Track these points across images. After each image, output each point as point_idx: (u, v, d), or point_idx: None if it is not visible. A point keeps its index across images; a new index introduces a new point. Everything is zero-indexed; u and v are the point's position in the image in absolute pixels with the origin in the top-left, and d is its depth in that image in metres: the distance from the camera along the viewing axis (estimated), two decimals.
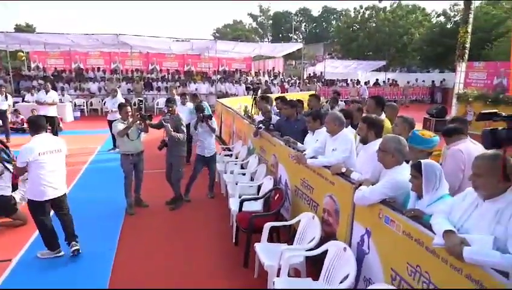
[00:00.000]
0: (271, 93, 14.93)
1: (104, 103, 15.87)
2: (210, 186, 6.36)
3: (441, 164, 3.07)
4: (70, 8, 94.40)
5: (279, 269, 3.28)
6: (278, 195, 4.56)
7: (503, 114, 2.49)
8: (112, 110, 8.96)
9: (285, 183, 4.87)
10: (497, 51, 22.24)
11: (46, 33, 17.85)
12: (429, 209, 2.47)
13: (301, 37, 57.28)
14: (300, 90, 19.19)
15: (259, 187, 5.38)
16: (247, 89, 17.75)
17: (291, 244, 3.75)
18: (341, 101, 9.49)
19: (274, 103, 7.51)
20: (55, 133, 10.02)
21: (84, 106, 16.72)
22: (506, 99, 10.95)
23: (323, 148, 4.09)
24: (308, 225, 3.67)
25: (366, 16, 40.27)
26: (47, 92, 10.46)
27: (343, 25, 43.32)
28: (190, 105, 8.15)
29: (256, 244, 3.75)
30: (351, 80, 24.14)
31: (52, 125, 10.23)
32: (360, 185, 3.02)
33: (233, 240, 4.67)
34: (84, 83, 17.99)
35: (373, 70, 28.17)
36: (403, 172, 2.81)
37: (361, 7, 40.96)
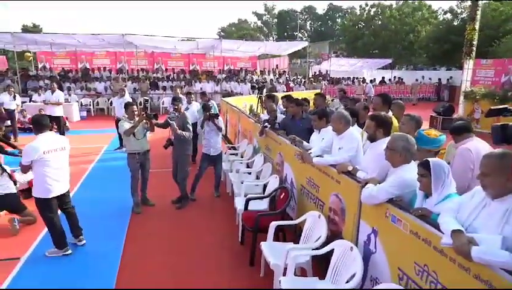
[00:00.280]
0: (276, 92, 14.91)
1: (111, 103, 16.08)
2: (216, 186, 6.37)
3: (448, 163, 3.04)
4: (76, 8, 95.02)
5: (285, 268, 3.27)
6: (283, 194, 4.55)
7: None
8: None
9: (291, 182, 4.86)
10: (505, 48, 21.99)
11: (53, 33, 17.99)
12: (437, 208, 2.46)
13: (306, 35, 57.20)
14: (306, 89, 19.13)
15: (265, 186, 5.37)
16: (253, 87, 17.71)
17: (297, 243, 3.74)
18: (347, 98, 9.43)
19: (280, 102, 7.50)
20: (61, 132, 10.10)
21: (90, 106, 16.83)
22: None
23: (330, 147, 4.07)
24: (314, 224, 3.66)
25: (372, 13, 40.07)
26: (53, 92, 10.55)
27: (348, 23, 43.14)
28: (196, 104, 8.16)
29: (262, 243, 3.74)
30: (357, 78, 24.02)
31: (58, 125, 10.32)
32: (367, 183, 3.01)
33: (239, 239, 4.67)
34: (91, 82, 18.10)
35: (379, 69, 28.00)
36: (411, 171, 2.79)
37: (366, 5, 40.79)
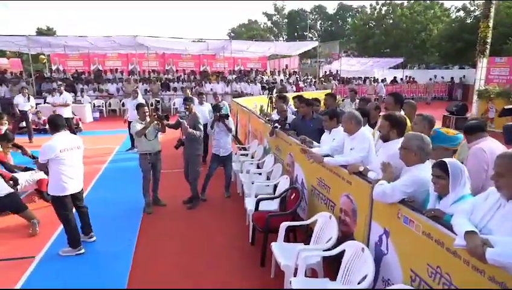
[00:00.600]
0: (287, 92, 14.89)
1: (123, 104, 16.27)
2: (226, 186, 6.39)
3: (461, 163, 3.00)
4: (88, 8, 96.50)
5: (296, 269, 3.26)
6: (294, 194, 4.54)
7: None
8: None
9: (302, 182, 4.85)
10: None
11: (66, 36, 18.31)
12: (452, 208, 2.42)
13: (316, 35, 56.88)
14: (316, 89, 19.06)
15: (275, 187, 5.37)
16: (263, 88, 17.75)
17: (308, 244, 3.73)
18: (357, 98, 9.38)
19: (290, 102, 7.48)
20: (73, 133, 10.25)
21: (103, 107, 17.07)
22: None
23: (342, 147, 4.05)
24: (325, 225, 3.64)
25: (383, 12, 39.66)
26: (60, 94, 10.73)
27: (359, 22, 42.77)
28: (208, 105, 8.18)
29: (273, 244, 3.74)
30: (368, 78, 23.84)
31: (69, 126, 10.46)
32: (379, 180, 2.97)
33: (250, 240, 4.68)
34: (103, 84, 18.35)
35: (390, 68, 27.72)
36: (426, 170, 2.75)
37: (377, 3, 40.38)
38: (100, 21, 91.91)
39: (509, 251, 1.83)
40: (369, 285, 2.72)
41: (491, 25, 11.56)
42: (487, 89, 12.04)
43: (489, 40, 11.64)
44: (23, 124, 11.23)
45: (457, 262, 2.16)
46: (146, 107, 5.75)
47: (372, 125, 4.67)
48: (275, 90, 12.12)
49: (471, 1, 33.61)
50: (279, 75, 21.92)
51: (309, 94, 12.16)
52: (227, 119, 6.00)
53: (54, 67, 21.94)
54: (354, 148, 3.77)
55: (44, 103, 14.36)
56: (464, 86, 23.14)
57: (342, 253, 3.14)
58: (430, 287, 2.40)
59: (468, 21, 31.53)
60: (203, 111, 7.85)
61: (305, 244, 3.75)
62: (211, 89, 17.12)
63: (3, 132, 6.30)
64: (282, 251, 3.58)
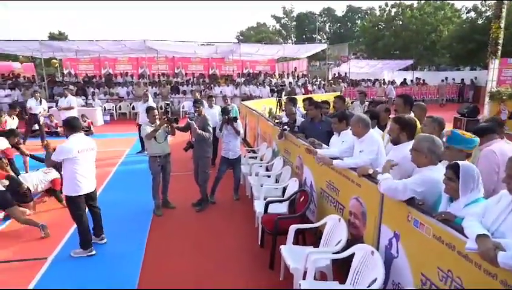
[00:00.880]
0: (296, 94, 14.88)
1: (133, 107, 16.44)
2: (235, 189, 6.40)
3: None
4: (98, 9, 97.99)
5: (305, 272, 3.26)
6: (303, 197, 4.54)
7: None
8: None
9: (311, 185, 4.84)
10: None
11: (78, 40, 18.63)
12: (463, 211, 2.39)
13: (325, 37, 56.69)
14: (326, 91, 19.00)
15: (284, 189, 5.37)
16: (272, 91, 17.76)
17: (317, 247, 3.72)
18: (367, 101, 9.34)
19: (299, 105, 7.48)
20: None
21: (113, 110, 17.28)
22: None
23: (351, 149, 4.04)
24: (335, 228, 3.63)
25: (393, 14, 39.38)
26: (65, 97, 10.89)
27: (368, 24, 42.53)
28: (218, 107, 8.21)
29: (282, 247, 3.74)
30: (378, 80, 23.67)
31: None
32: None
33: (259, 242, 4.68)
34: (113, 87, 18.58)
35: (400, 70, 27.49)
36: (438, 171, 2.72)
37: (386, 5, 40.11)
38: (109, 23, 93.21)
39: None
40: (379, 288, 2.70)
41: (502, 25, 11.39)
42: (499, 90, 11.84)
43: (501, 41, 11.47)
44: (36, 126, 11.41)
45: (468, 266, 2.13)
46: (156, 110, 5.82)
47: (382, 128, 4.65)
48: (283, 93, 12.14)
49: (483, 1, 33.20)
50: (288, 77, 21.92)
51: (318, 96, 12.15)
52: (236, 122, 6.02)
53: (65, 71, 22.30)
54: (363, 150, 3.76)
55: (56, 106, 14.59)
56: (475, 88, 22.84)
57: (352, 256, 3.12)
58: None
59: (480, 22, 31.14)
60: (214, 114, 7.82)
61: (314, 247, 3.75)
62: (220, 92, 17.20)
63: (11, 127, 6.41)
64: (291, 254, 3.57)
